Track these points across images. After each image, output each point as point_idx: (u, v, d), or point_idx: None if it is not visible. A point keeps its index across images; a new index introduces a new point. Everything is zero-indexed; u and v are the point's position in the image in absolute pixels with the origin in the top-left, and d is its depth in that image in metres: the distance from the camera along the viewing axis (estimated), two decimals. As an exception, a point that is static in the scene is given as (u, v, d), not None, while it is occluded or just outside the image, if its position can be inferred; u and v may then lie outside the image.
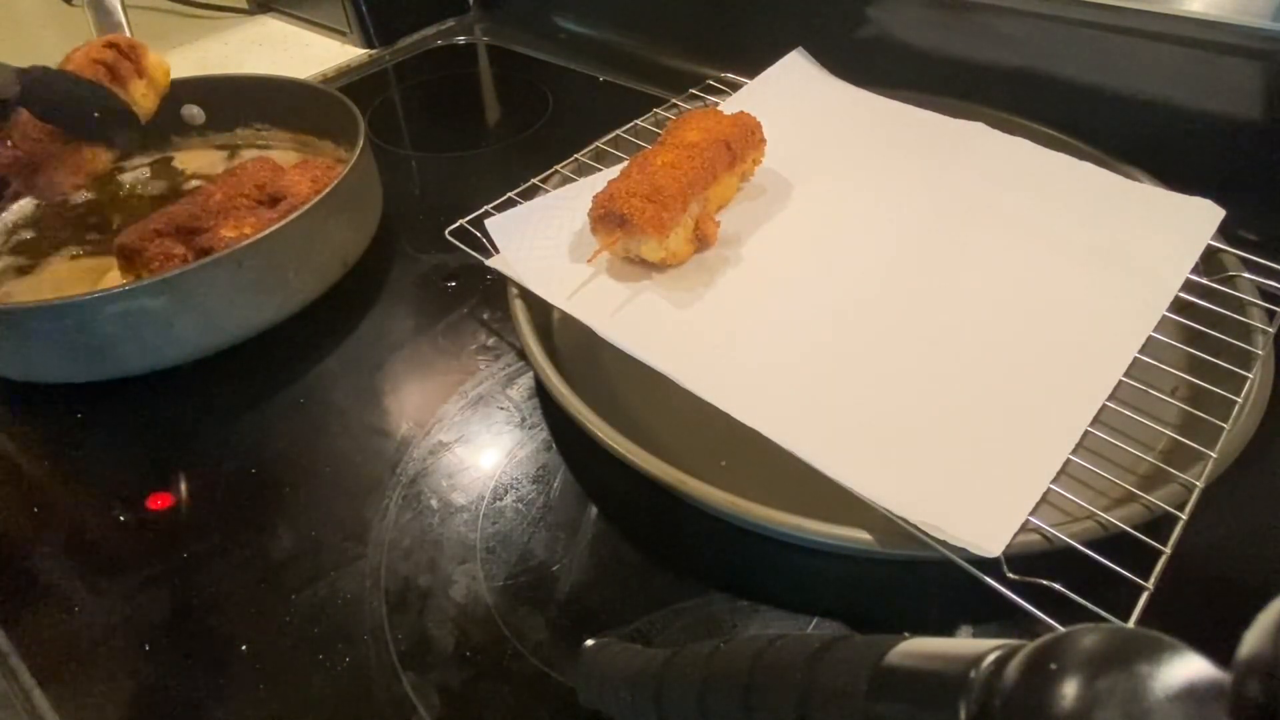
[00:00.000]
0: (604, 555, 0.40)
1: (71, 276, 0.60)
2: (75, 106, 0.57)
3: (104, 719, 0.36)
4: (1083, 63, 0.60)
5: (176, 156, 0.72)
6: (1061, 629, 0.18)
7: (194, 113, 0.71)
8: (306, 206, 0.52)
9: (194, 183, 0.69)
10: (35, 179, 0.58)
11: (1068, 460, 0.37)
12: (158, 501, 0.45)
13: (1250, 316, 0.44)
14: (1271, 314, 0.44)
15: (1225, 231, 0.50)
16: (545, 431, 0.47)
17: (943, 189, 0.56)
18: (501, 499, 0.43)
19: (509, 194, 0.57)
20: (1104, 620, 0.32)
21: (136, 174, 0.70)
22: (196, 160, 0.72)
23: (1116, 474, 0.37)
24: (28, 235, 0.64)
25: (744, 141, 0.55)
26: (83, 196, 0.68)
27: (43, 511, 0.45)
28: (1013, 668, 0.17)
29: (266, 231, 0.50)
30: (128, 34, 0.75)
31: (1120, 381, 0.41)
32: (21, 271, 0.61)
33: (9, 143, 0.56)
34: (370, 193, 0.62)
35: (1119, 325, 0.44)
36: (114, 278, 0.57)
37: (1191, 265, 0.47)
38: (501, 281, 0.51)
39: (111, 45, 0.59)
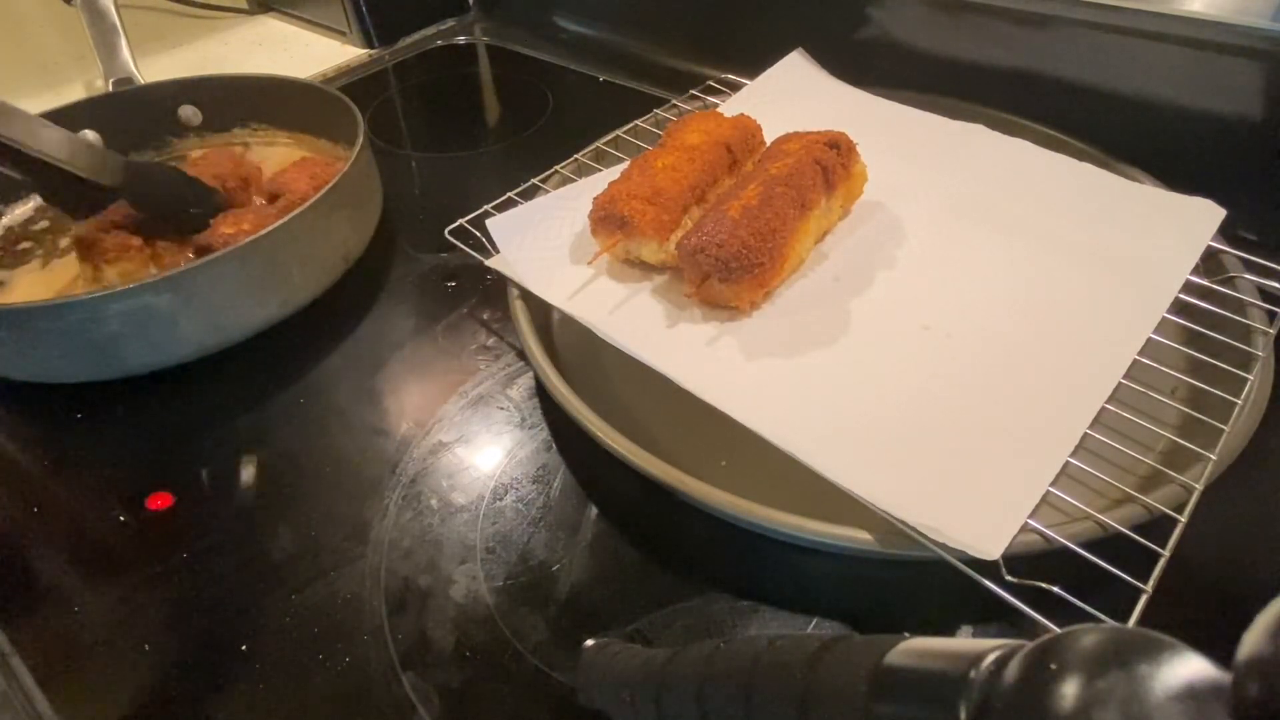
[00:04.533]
0: (604, 555, 0.40)
1: (48, 281, 0.60)
2: (173, 201, 0.57)
3: (104, 719, 0.36)
4: (1083, 63, 0.60)
5: (188, 158, 0.72)
6: (1061, 630, 0.18)
7: (190, 113, 0.71)
8: (309, 203, 0.52)
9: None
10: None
11: (1066, 462, 0.37)
12: (158, 501, 0.45)
13: (1250, 317, 0.44)
14: (1272, 315, 0.44)
15: (1225, 231, 0.50)
16: (545, 431, 0.47)
17: (943, 191, 0.56)
18: (501, 499, 0.43)
19: (509, 194, 0.57)
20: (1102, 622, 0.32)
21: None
22: (205, 161, 0.71)
23: (1116, 475, 0.37)
24: (26, 245, 0.64)
25: (744, 145, 0.55)
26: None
27: (43, 511, 0.45)
28: (1013, 668, 0.17)
29: (269, 228, 0.50)
30: (121, 34, 0.75)
31: (1120, 383, 0.41)
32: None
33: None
34: (370, 190, 0.62)
35: (1119, 326, 0.44)
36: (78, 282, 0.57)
37: (1192, 266, 0.47)
38: (501, 281, 0.51)
39: (834, 145, 0.51)
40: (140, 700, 0.36)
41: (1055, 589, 0.32)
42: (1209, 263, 0.48)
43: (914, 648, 0.21)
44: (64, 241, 0.63)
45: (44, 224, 0.65)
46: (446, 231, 0.55)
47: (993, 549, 0.33)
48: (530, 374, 0.51)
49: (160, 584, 0.41)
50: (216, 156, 0.62)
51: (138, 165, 0.55)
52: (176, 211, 0.57)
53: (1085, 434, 0.39)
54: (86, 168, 0.52)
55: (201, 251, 0.55)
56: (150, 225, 0.57)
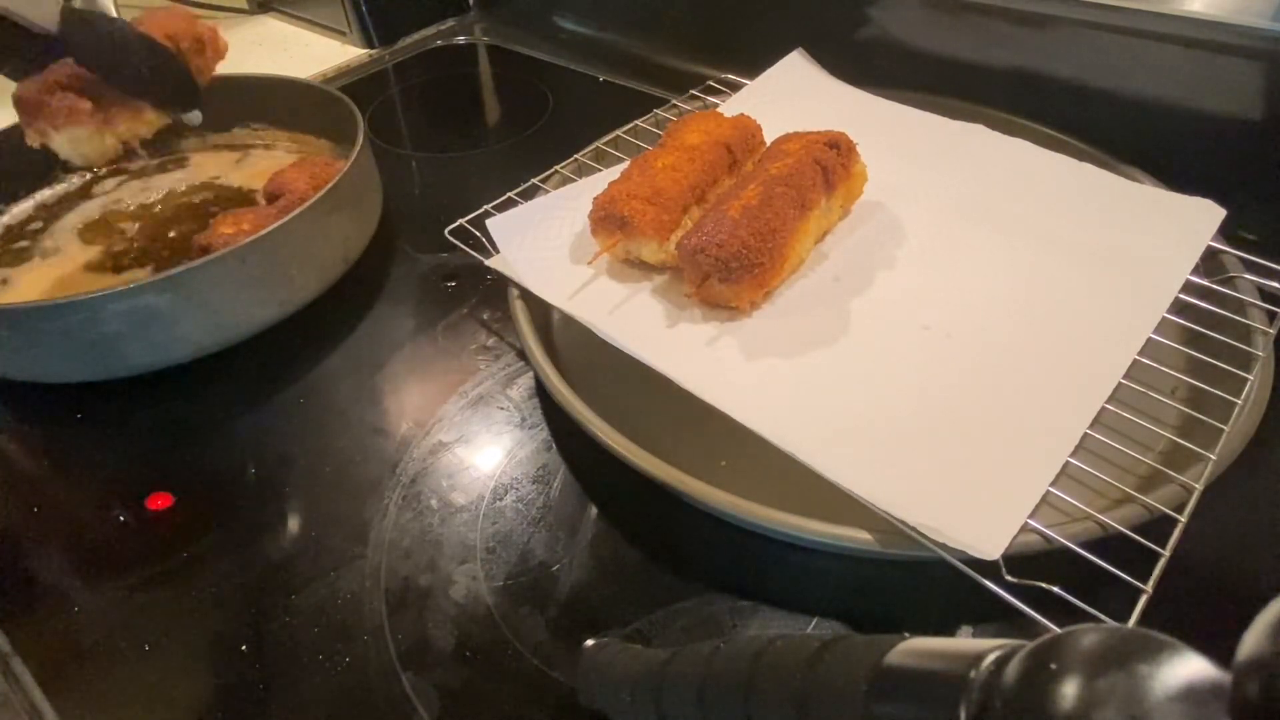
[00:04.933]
0: (604, 555, 0.40)
1: (52, 278, 0.60)
2: (119, 55, 0.51)
3: (104, 719, 0.36)
4: (1083, 63, 0.60)
5: (190, 159, 0.72)
6: (1061, 630, 0.18)
7: (190, 114, 0.71)
8: (309, 202, 0.52)
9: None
10: (69, 122, 0.51)
11: (1066, 462, 0.37)
12: (158, 501, 0.45)
13: (1250, 317, 0.44)
14: (1272, 315, 0.44)
15: (1225, 231, 0.50)
16: (545, 431, 0.47)
17: (943, 191, 0.56)
18: (501, 499, 0.43)
19: (509, 194, 0.57)
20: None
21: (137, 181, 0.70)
22: (207, 162, 0.71)
23: (1116, 475, 0.37)
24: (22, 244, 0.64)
25: (744, 145, 0.55)
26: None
27: (43, 511, 0.45)
28: (1012, 668, 0.17)
29: (270, 228, 0.50)
30: None
31: (1120, 383, 0.41)
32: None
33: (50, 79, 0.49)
34: (370, 190, 0.62)
35: (1119, 326, 0.44)
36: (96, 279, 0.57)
37: (1192, 266, 0.47)
38: (501, 281, 0.51)
39: (834, 145, 0.51)
40: (140, 700, 0.36)
41: (1055, 589, 0.32)
42: (1209, 263, 0.48)
43: (914, 648, 0.21)
44: (61, 242, 0.63)
45: (39, 224, 0.65)
46: (447, 231, 0.55)
47: (993, 549, 0.33)
48: (530, 374, 0.51)
49: (160, 584, 0.41)
50: (166, 16, 0.58)
51: (77, 12, 0.49)
52: (125, 68, 0.52)
53: (1085, 434, 0.39)
54: (14, 9, 0.46)
55: (201, 251, 0.55)
56: (99, 86, 0.52)
